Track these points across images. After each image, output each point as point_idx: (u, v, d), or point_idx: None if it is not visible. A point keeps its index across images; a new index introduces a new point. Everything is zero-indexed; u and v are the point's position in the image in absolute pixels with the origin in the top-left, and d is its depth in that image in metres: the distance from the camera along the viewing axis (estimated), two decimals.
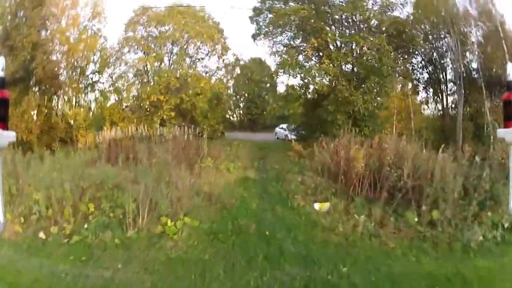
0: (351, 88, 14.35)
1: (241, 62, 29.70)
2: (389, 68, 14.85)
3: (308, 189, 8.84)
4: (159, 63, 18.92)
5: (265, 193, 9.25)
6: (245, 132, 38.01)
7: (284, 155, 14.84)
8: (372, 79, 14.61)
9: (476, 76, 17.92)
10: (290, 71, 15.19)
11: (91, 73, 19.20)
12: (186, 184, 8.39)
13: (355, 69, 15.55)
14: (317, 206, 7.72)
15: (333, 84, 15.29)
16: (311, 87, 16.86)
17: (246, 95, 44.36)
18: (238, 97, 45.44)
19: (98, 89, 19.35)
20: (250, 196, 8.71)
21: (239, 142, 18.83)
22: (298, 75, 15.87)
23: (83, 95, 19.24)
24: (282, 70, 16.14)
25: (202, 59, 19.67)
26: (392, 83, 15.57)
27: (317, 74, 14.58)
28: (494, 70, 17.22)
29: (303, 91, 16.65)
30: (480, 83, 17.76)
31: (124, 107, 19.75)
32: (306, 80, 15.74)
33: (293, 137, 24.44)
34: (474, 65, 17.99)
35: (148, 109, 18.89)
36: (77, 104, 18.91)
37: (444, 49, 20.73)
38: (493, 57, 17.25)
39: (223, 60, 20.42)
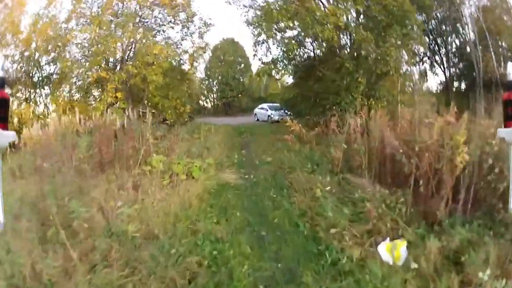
0: (373, 39, 9.92)
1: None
2: (413, 17, 10.54)
3: (351, 205, 4.36)
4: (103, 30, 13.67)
5: (261, 224, 4.30)
6: (220, 117, 33.31)
7: (274, 141, 10.40)
8: (396, 29, 10.34)
9: None
10: (283, 23, 10.40)
11: (45, 63, 14.81)
12: (94, 219, 3.78)
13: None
14: (383, 250, 3.34)
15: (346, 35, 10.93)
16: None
17: (219, 77, 39.48)
18: (210, 80, 40.57)
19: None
20: (233, 241, 3.68)
21: (211, 126, 14.18)
22: (292, 31, 11.29)
23: (38, 89, 15.07)
24: (265, 28, 11.30)
25: (163, 29, 14.62)
26: (417, 39, 11.28)
27: (323, 22, 9.84)
28: None
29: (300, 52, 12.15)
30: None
31: (67, 93, 14.67)
32: (304, 33, 10.98)
33: (277, 117, 20.04)
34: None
35: (92, 93, 13.86)
36: (27, 100, 14.67)
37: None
38: None
39: (188, 28, 15.36)
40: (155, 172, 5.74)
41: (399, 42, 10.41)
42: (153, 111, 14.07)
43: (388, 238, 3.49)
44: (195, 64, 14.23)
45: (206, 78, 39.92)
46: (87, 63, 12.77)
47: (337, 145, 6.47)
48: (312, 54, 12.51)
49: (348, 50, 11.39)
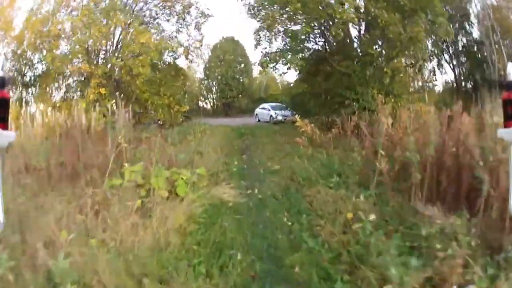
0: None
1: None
2: (438, 4, 8.97)
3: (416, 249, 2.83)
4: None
5: (275, 277, 2.72)
6: (219, 118, 31.67)
7: (280, 144, 8.88)
8: (421, 16, 8.74)
9: None
10: (290, 6, 8.71)
11: (38, 62, 13.39)
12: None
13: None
14: None
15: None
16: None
17: (219, 77, 37.88)
18: (210, 80, 38.97)
19: None
20: None
21: (207, 127, 12.65)
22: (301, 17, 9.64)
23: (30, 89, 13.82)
24: (270, 12, 9.71)
25: (157, 22, 13.05)
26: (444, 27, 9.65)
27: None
28: None
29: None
30: None
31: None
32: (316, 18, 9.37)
33: (280, 118, 18.45)
34: None
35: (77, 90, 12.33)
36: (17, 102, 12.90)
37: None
38: None
39: (184, 19, 13.80)
40: (128, 188, 4.20)
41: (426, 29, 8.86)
42: (140, 110, 12.67)
43: None
44: (190, 57, 12.71)
45: (205, 78, 38.45)
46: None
47: (365, 151, 4.94)
48: (322, 44, 10.93)
49: (367, 37, 9.77)
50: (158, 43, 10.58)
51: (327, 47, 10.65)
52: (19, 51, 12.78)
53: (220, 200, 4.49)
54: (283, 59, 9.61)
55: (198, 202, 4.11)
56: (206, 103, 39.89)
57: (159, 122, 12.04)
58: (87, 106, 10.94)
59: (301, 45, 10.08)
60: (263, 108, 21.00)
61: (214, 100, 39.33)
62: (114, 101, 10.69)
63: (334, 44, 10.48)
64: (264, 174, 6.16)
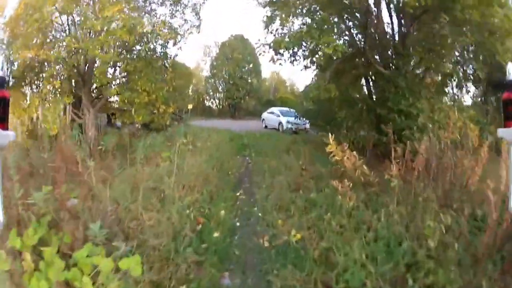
0: None
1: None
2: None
3: None
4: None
5: None
6: (223, 120, 28.50)
7: (298, 176, 5.74)
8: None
9: None
10: None
11: None
12: None
13: None
14: None
15: None
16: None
17: (225, 76, 34.87)
18: (216, 79, 35.97)
19: None
20: None
21: (202, 132, 9.69)
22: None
23: None
24: None
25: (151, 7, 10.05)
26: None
27: None
28: None
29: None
30: None
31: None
32: None
33: (290, 126, 15.30)
34: None
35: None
36: None
37: None
38: None
39: (180, 1, 10.84)
40: None
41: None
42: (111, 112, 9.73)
43: None
44: (179, 42, 9.64)
45: (211, 76, 35.62)
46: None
47: None
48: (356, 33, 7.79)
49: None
50: (127, 18, 7.46)
51: (362, 38, 7.42)
52: None
53: None
54: (310, 40, 6.02)
55: None
56: (212, 103, 37.08)
57: (136, 125, 9.09)
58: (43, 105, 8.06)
59: (334, 26, 6.88)
60: (272, 113, 17.85)
61: (220, 100, 36.43)
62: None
63: (375, 35, 7.38)
64: (272, 258, 3.10)
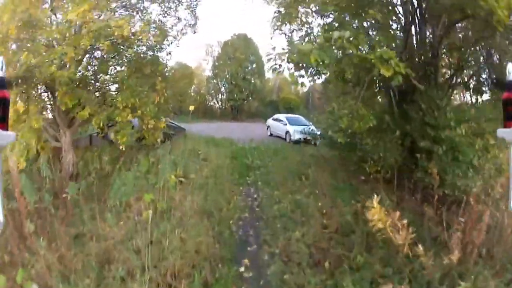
0: None
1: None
2: None
3: None
4: None
5: None
6: (225, 122, 26.99)
7: (317, 225, 4.23)
8: None
9: None
10: None
11: None
12: None
13: None
14: None
15: None
16: None
17: (227, 76, 33.30)
18: (218, 79, 34.38)
19: None
20: None
21: (197, 144, 8.15)
22: None
23: None
24: None
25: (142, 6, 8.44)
26: None
27: None
28: None
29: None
30: None
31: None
32: None
33: (298, 136, 13.63)
34: None
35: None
36: None
37: None
38: None
39: None
40: None
41: None
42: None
43: None
44: (171, 44, 8.11)
45: (213, 76, 34.12)
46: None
47: None
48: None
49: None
50: (96, 24, 5.74)
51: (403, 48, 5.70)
52: None
53: None
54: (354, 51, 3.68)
55: None
56: (214, 103, 35.58)
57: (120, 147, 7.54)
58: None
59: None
60: (278, 120, 16.19)
61: (222, 102, 34.90)
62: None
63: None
64: None
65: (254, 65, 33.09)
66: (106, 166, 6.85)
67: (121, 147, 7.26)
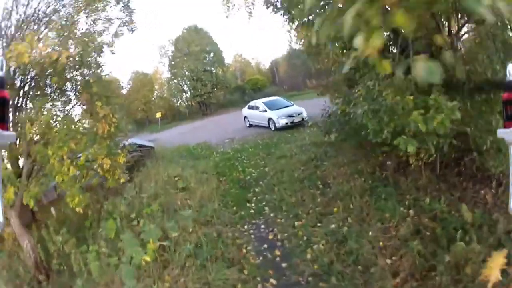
0: None
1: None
2: None
3: None
4: None
5: None
6: (195, 122, 24.78)
7: None
8: None
9: None
10: None
11: None
12: None
13: None
14: None
15: None
16: None
17: (187, 73, 30.75)
18: (179, 79, 31.75)
19: None
20: None
21: (169, 165, 6.25)
22: None
23: None
24: None
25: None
26: None
27: None
28: None
29: None
30: None
31: None
32: None
33: (286, 122, 11.67)
34: None
35: None
36: None
37: None
38: None
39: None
40: None
41: None
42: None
43: None
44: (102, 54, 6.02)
45: (172, 77, 31.51)
46: None
47: None
48: None
49: None
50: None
51: None
52: None
53: None
54: None
55: None
56: (180, 104, 33.09)
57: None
58: None
59: None
60: (255, 108, 14.15)
61: (188, 100, 32.40)
62: None
63: None
64: None
65: (212, 55, 30.72)
66: (66, 246, 4.87)
67: (77, 209, 5.24)
